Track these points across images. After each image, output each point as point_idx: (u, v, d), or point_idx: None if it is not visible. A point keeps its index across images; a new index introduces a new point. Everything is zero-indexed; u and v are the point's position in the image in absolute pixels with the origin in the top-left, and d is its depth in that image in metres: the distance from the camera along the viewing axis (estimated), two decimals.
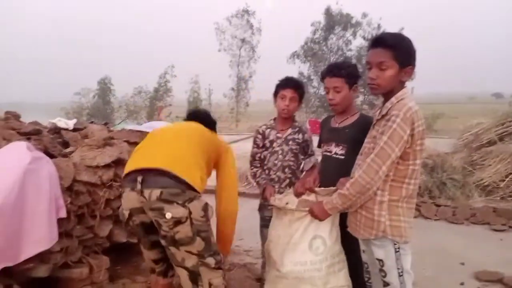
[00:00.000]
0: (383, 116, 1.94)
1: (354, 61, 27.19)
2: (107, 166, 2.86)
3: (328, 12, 27.48)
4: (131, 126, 4.07)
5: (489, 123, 7.70)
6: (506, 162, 6.56)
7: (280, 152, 2.82)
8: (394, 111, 1.85)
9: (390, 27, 23.60)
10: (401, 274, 1.95)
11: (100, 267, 2.79)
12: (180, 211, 1.90)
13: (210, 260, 2.00)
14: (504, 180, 6.33)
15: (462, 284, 3.47)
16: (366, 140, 2.08)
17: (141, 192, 1.94)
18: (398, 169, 1.91)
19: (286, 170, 2.83)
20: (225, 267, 2.16)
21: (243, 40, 30.48)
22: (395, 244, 1.94)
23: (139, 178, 1.95)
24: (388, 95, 1.97)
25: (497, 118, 7.64)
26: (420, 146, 1.89)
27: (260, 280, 3.06)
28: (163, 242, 2.00)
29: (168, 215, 1.89)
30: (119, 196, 3.00)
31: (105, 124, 4.37)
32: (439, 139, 10.62)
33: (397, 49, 1.88)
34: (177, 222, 1.90)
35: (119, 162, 2.99)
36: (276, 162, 2.82)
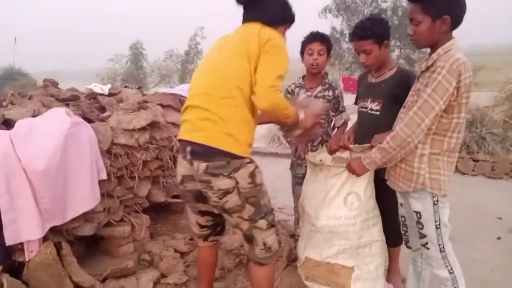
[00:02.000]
0: (428, 68, 1.87)
1: (389, 13, 26.05)
2: (143, 129, 2.95)
3: None
4: (164, 89, 4.13)
5: None
6: None
7: None
8: (440, 62, 1.78)
9: None
10: (438, 226, 1.95)
11: (141, 225, 2.94)
12: (226, 183, 1.90)
13: (262, 223, 2.03)
14: None
15: (498, 238, 3.44)
16: (410, 93, 2.02)
17: (191, 163, 1.96)
18: (441, 122, 1.86)
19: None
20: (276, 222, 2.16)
21: None
22: (433, 197, 1.93)
23: (188, 148, 1.96)
24: (434, 46, 1.89)
25: None
26: (466, 99, 1.82)
27: (293, 236, 3.15)
28: (215, 210, 2.07)
29: (216, 187, 1.90)
30: (156, 158, 3.12)
31: (139, 88, 4.45)
32: (479, 92, 10.19)
33: (424, 2, 1.82)
34: (225, 193, 1.91)
35: (154, 125, 3.07)
36: None
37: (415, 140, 1.86)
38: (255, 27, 1.97)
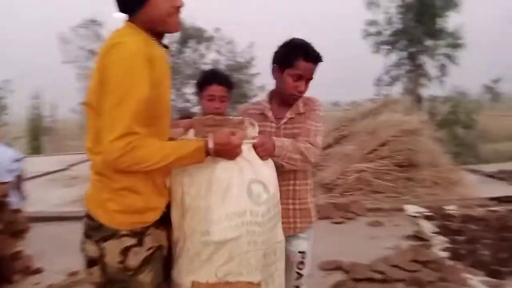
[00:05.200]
0: None
1: None
2: None
3: (181, 26, 27.91)
4: None
5: (327, 128, 8.69)
6: (342, 161, 7.50)
7: None
8: None
9: (242, 41, 24.83)
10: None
11: None
12: (92, 249, 1.52)
13: None
14: (341, 178, 7.21)
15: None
16: None
17: None
18: None
19: None
20: None
21: (91, 51, 28.70)
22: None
23: None
24: None
25: (334, 124, 8.71)
26: None
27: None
28: None
29: (85, 252, 1.55)
30: None
31: None
32: None
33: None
34: (92, 262, 1.52)
35: None
36: None
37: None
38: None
